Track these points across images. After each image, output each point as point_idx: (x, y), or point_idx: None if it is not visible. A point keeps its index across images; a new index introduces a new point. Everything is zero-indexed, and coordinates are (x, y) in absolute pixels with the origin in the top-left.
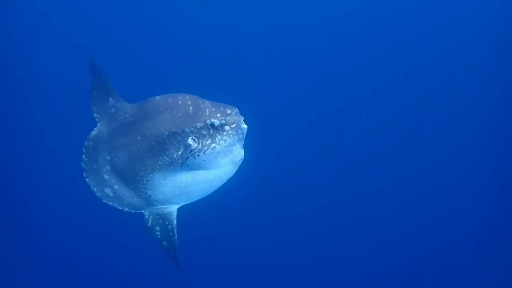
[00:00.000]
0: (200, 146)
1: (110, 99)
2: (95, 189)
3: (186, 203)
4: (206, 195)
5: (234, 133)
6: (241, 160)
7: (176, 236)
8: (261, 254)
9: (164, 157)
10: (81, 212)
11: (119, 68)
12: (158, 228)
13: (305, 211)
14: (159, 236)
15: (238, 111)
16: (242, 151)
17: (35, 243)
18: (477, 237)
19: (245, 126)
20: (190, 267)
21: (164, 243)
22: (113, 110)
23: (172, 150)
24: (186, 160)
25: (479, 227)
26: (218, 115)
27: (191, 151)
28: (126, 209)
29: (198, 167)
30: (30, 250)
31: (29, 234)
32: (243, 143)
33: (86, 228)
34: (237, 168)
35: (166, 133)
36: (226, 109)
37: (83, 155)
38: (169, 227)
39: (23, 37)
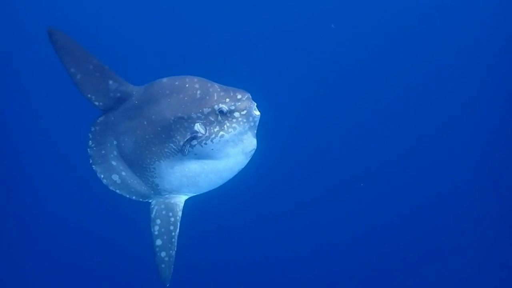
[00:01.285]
0: (207, 134)
1: (111, 82)
2: (102, 176)
3: (194, 194)
4: (215, 187)
5: (245, 120)
6: (254, 151)
7: (177, 231)
8: (272, 255)
9: (171, 144)
10: (81, 209)
11: (127, 49)
12: (158, 221)
13: (317, 206)
14: (156, 232)
15: (250, 96)
16: (255, 141)
17: (34, 239)
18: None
19: (257, 113)
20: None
21: (159, 241)
22: (119, 94)
23: (178, 137)
24: (193, 148)
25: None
26: (227, 100)
27: (197, 138)
28: (134, 197)
29: (206, 156)
30: (29, 247)
31: (27, 230)
32: (255, 131)
33: (86, 226)
34: (249, 159)
35: (172, 118)
36: (237, 93)
37: (90, 141)
38: (172, 219)
39: (21, 25)
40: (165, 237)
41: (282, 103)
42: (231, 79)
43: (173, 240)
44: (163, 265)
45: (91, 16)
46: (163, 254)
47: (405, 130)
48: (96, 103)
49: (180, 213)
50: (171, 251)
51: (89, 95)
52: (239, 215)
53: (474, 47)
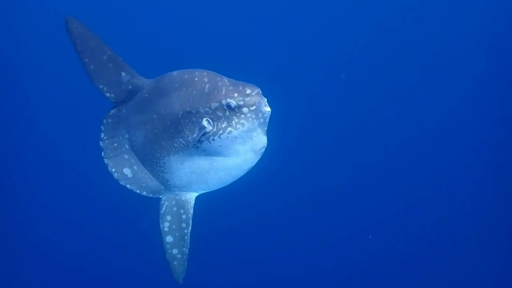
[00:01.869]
0: (215, 129)
1: (123, 74)
2: (113, 170)
3: (204, 191)
4: (225, 185)
5: (254, 116)
6: (264, 148)
7: (190, 228)
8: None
9: (180, 139)
10: (84, 207)
11: (139, 43)
12: (169, 218)
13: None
14: (166, 228)
15: (260, 91)
16: (265, 138)
17: (38, 241)
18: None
19: (268, 109)
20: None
21: (169, 238)
22: (130, 87)
23: (187, 132)
24: (201, 143)
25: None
26: (236, 94)
27: (205, 134)
28: (144, 192)
29: (215, 152)
30: (33, 248)
31: (30, 232)
32: (265, 128)
33: (90, 226)
34: (259, 157)
35: (181, 112)
36: (246, 88)
37: (102, 134)
38: (184, 216)
39: (26, 17)
40: (176, 234)
41: (294, 99)
42: (244, 74)
43: (186, 237)
44: (175, 262)
45: (102, 11)
46: (175, 251)
47: (410, 128)
48: (108, 94)
49: (191, 210)
50: (184, 248)
51: (101, 86)
52: (249, 213)
53: (472, 46)
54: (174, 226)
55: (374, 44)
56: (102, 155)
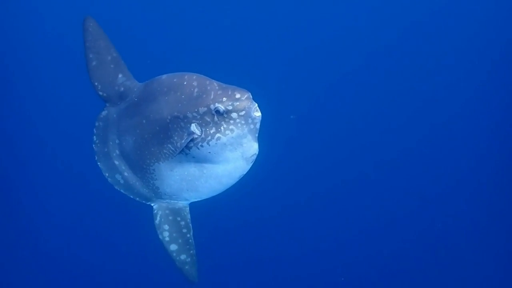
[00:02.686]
0: (203, 135)
1: (120, 75)
2: (107, 174)
3: (195, 200)
4: (216, 193)
5: (243, 122)
6: (255, 156)
7: (192, 232)
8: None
9: (169, 145)
10: (83, 210)
11: (138, 47)
12: (166, 227)
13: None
14: (167, 238)
15: (250, 96)
16: (256, 145)
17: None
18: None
19: (258, 114)
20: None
21: (173, 246)
22: (122, 89)
23: (176, 138)
24: (190, 150)
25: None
26: (224, 99)
27: (193, 140)
28: (137, 198)
29: (204, 159)
30: (30, 248)
31: (28, 232)
32: (256, 135)
33: (89, 228)
34: (251, 165)
35: (169, 117)
36: (235, 92)
37: (94, 137)
38: (182, 223)
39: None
40: (179, 240)
41: (287, 104)
42: (236, 78)
43: (190, 241)
44: (187, 267)
45: (98, 12)
46: (183, 257)
47: (405, 130)
48: (100, 92)
49: (189, 216)
50: (191, 251)
51: (96, 83)
52: (247, 216)
53: (472, 47)
54: (175, 234)
55: (371, 45)
56: (96, 158)
